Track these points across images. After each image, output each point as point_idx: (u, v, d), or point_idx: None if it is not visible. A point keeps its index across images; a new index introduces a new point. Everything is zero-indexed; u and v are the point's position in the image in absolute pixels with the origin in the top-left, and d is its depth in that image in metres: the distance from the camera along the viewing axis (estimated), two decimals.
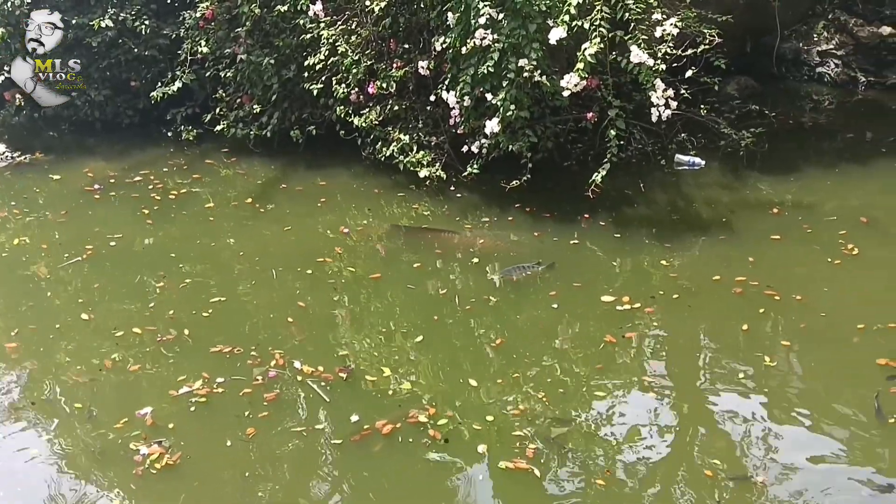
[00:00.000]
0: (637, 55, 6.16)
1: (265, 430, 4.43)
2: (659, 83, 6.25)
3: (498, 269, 5.96)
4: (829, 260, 5.91)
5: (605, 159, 6.40)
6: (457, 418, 4.43)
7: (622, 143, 6.74)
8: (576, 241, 6.34)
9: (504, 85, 6.43)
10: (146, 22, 8.54)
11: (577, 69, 6.17)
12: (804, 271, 5.88)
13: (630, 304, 5.42)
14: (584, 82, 6.30)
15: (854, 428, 4.36)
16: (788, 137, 8.28)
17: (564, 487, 4.02)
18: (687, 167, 7.57)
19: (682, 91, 6.72)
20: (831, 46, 9.90)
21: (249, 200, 7.27)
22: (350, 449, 4.29)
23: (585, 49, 6.15)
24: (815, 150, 8.12)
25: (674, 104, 6.37)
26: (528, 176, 6.61)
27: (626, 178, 7.25)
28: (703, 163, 7.57)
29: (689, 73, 6.63)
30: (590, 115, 6.94)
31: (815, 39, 9.97)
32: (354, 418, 4.46)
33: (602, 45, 6.21)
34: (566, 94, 6.35)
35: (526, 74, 6.36)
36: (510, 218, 6.74)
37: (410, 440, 4.30)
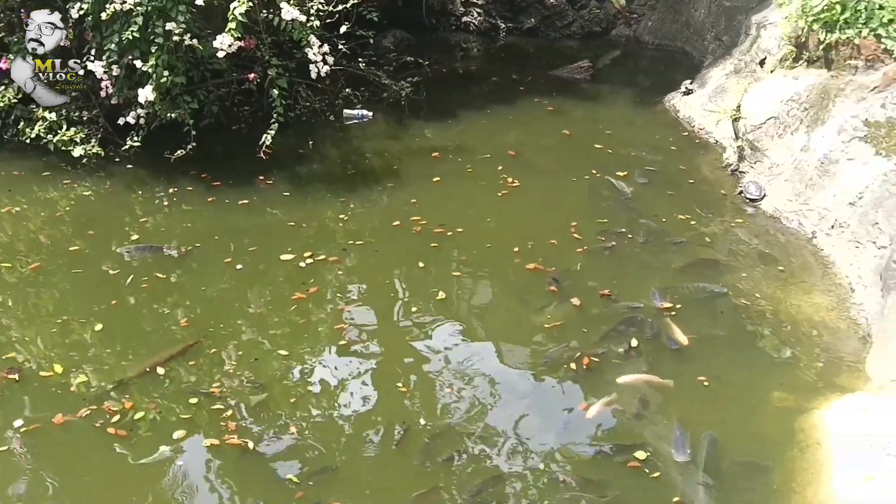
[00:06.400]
0: (288, 12, 6.18)
1: None
2: (314, 40, 6.34)
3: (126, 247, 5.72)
4: (498, 194, 6.45)
5: (273, 120, 6.40)
6: (152, 408, 4.26)
7: (288, 102, 6.76)
8: (254, 204, 6.28)
9: (154, 51, 6.13)
10: None
11: (230, 29, 6.06)
12: (470, 207, 6.36)
13: (314, 258, 5.54)
14: (240, 43, 6.22)
15: (522, 339, 4.95)
16: (444, 85, 8.82)
17: (277, 450, 4.08)
18: (357, 121, 7.79)
19: (341, 46, 6.88)
20: None
21: None
22: (18, 452, 3.98)
23: (235, 8, 6.05)
24: (468, 95, 8.72)
25: (331, 60, 6.51)
26: (194, 144, 6.39)
27: (298, 137, 7.27)
28: (371, 115, 7.84)
29: (343, 28, 6.80)
30: (251, 76, 6.86)
31: None
32: (18, 423, 4.14)
33: (252, 4, 6.14)
34: (222, 55, 6.23)
35: (176, 38, 6.11)
36: (190, 188, 6.46)
37: (95, 436, 4.07)
